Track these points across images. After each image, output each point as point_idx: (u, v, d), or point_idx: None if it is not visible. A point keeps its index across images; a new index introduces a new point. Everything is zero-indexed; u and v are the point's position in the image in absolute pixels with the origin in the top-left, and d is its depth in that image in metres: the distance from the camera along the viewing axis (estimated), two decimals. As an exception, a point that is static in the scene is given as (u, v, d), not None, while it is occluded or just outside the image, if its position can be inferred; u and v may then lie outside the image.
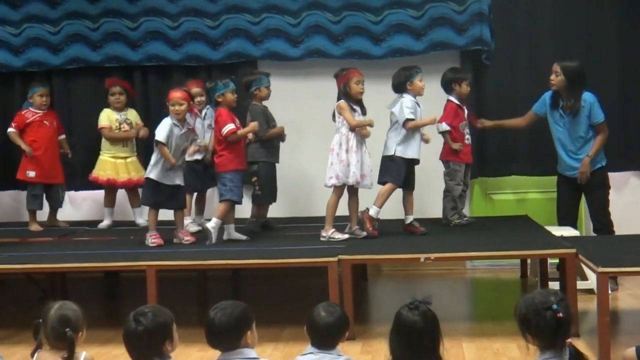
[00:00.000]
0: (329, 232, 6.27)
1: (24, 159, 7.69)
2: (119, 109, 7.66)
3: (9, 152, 8.15)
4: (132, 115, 7.72)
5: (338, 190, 6.31)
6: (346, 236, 6.28)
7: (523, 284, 7.49)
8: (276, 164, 7.11)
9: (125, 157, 7.64)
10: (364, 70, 7.78)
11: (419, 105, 6.48)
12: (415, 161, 6.53)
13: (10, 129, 7.68)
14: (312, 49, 7.92)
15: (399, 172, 6.44)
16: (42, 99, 7.72)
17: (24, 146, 7.60)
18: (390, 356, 3.33)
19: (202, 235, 6.52)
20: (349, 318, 3.76)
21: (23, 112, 7.73)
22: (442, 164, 7.02)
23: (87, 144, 8.04)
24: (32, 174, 7.65)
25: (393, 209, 6.94)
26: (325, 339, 3.57)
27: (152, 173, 6.36)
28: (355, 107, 6.33)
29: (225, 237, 6.43)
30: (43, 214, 7.84)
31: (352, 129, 6.23)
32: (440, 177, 6.99)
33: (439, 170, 7.02)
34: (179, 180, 6.44)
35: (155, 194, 6.40)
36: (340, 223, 6.46)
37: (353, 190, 6.37)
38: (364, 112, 6.39)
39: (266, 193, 6.99)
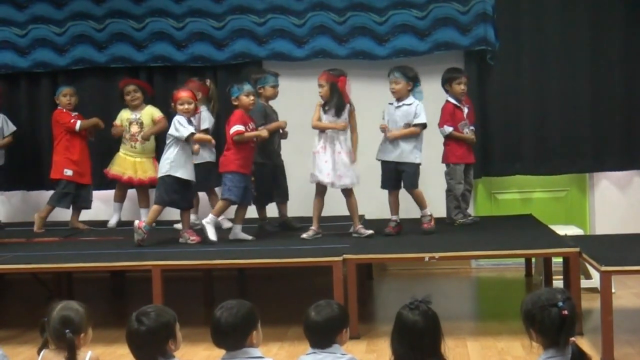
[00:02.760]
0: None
1: (60, 159, 7.71)
2: (135, 107, 7.68)
3: (16, 154, 8.22)
4: (148, 113, 7.67)
5: (316, 188, 6.47)
6: (310, 233, 6.41)
7: (528, 283, 7.51)
8: (278, 165, 7.14)
9: (135, 157, 7.67)
10: (368, 70, 7.88)
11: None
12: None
13: (77, 125, 7.66)
14: (317, 49, 7.95)
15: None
16: (66, 98, 7.76)
17: (94, 121, 7.75)
18: (393, 356, 3.33)
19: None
20: (347, 314, 3.73)
21: (64, 111, 7.76)
22: (444, 166, 7.06)
23: (92, 144, 8.06)
24: (69, 172, 7.67)
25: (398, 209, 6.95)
26: (318, 337, 3.55)
27: (174, 170, 6.42)
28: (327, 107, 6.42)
29: (231, 237, 6.46)
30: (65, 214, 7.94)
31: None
32: (443, 177, 7.01)
33: (441, 171, 7.04)
34: (193, 177, 6.56)
35: (171, 192, 6.46)
36: (342, 223, 6.50)
37: (347, 192, 6.43)
38: (337, 114, 6.38)
39: (260, 193, 6.99)
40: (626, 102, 7.80)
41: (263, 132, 6.56)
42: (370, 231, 6.39)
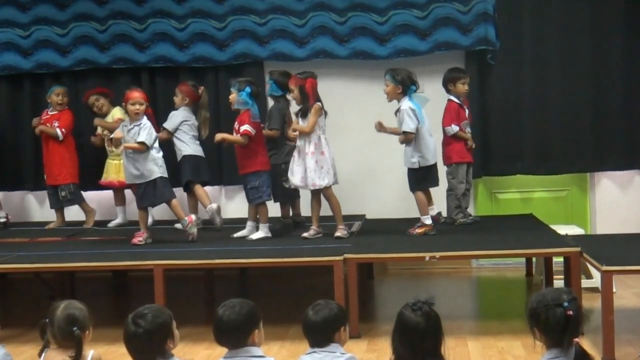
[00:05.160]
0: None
1: None
2: (105, 114, 7.81)
3: (18, 155, 8.25)
4: (116, 114, 7.67)
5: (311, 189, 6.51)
6: (311, 232, 6.41)
7: (528, 282, 7.52)
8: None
9: (114, 160, 7.68)
10: (369, 70, 7.88)
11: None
12: None
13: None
14: (318, 49, 7.96)
15: None
16: (58, 97, 7.87)
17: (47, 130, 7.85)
18: (393, 356, 3.35)
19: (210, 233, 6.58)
20: (345, 313, 3.75)
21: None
22: (446, 166, 7.08)
23: (95, 145, 8.07)
24: (45, 176, 7.90)
25: (397, 209, 6.98)
26: (316, 337, 3.58)
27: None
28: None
29: (254, 237, 6.55)
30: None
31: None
32: (444, 178, 7.03)
33: (441, 171, 7.07)
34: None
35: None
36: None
37: (323, 193, 6.45)
38: (304, 117, 6.36)
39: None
40: (626, 102, 7.81)
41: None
42: (339, 233, 6.39)
